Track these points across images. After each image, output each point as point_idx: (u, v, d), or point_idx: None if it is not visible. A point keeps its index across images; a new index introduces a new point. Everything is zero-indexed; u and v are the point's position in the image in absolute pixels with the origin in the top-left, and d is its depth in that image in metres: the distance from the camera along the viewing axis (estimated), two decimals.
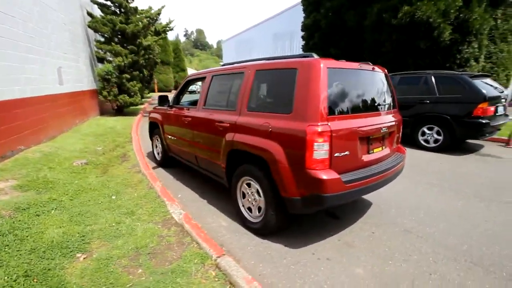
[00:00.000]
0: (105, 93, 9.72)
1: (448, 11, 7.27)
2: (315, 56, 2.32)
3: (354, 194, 2.25)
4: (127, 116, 10.96)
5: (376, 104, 2.59)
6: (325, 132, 2.06)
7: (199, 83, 4.04)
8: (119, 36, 10.23)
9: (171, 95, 4.62)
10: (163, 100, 4.15)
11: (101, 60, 9.96)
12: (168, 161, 4.74)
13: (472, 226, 2.85)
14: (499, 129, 5.71)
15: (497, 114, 5.38)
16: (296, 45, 22.57)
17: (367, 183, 2.32)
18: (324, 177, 2.06)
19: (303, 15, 12.44)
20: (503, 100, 5.61)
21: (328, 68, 2.18)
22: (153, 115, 4.86)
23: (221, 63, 30.28)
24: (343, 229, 2.82)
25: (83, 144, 5.97)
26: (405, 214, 3.10)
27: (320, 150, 2.06)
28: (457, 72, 6.05)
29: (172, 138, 4.14)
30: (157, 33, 12.95)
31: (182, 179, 4.26)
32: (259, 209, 2.63)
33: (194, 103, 4.43)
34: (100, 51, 9.85)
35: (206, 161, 3.35)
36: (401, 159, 2.83)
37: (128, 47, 9.90)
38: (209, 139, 3.18)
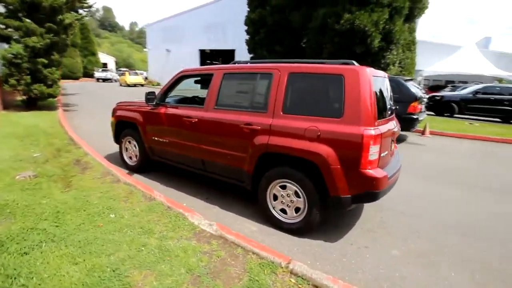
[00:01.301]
0: (13, 81, 7.60)
1: (379, 22, 8.60)
2: (355, 63, 2.49)
3: (390, 188, 2.58)
4: (43, 111, 8.88)
5: (392, 107, 2.98)
6: (378, 135, 2.28)
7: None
8: (28, 9, 8.04)
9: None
10: (151, 98, 3.61)
11: (5, 39, 7.66)
12: (147, 166, 4.19)
13: (444, 204, 3.64)
14: (419, 123, 7.25)
15: (421, 111, 6.81)
16: (230, 37, 22.39)
17: (395, 178, 2.68)
18: (378, 175, 2.29)
19: (247, 8, 12.49)
20: (424, 99, 7.13)
21: (372, 76, 2.39)
22: (124, 113, 4.17)
23: (147, 49, 27.27)
24: (357, 218, 3.17)
25: (10, 150, 4.62)
26: (391, 199, 3.64)
27: (374, 151, 2.28)
28: (394, 76, 7.30)
29: (162, 140, 3.67)
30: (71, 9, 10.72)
31: (173, 185, 3.86)
32: (297, 209, 2.69)
33: (185, 100, 4.03)
34: (1, 26, 7.55)
35: (220, 166, 3.15)
36: (398, 154, 3.33)
37: (45, 24, 7.89)
38: (227, 142, 3.00)
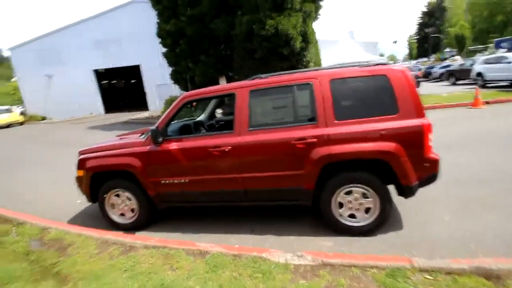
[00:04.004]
0: None
1: (297, 25, 9.50)
2: (391, 62, 2.72)
3: None
4: None
5: None
6: (430, 124, 2.57)
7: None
8: None
9: None
10: (156, 135, 2.92)
11: None
12: (152, 218, 3.41)
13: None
14: None
15: None
16: (131, 52, 20.11)
17: None
18: (438, 157, 2.59)
19: (157, 20, 11.55)
20: None
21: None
22: (105, 161, 3.25)
23: (15, 78, 21.91)
24: None
25: None
26: None
27: (431, 137, 2.56)
28: None
29: (177, 182, 3.05)
30: None
31: (192, 229, 3.28)
32: (366, 210, 2.75)
33: (189, 130, 3.46)
34: None
35: (270, 190, 2.88)
36: None
37: None
38: (277, 163, 2.77)
